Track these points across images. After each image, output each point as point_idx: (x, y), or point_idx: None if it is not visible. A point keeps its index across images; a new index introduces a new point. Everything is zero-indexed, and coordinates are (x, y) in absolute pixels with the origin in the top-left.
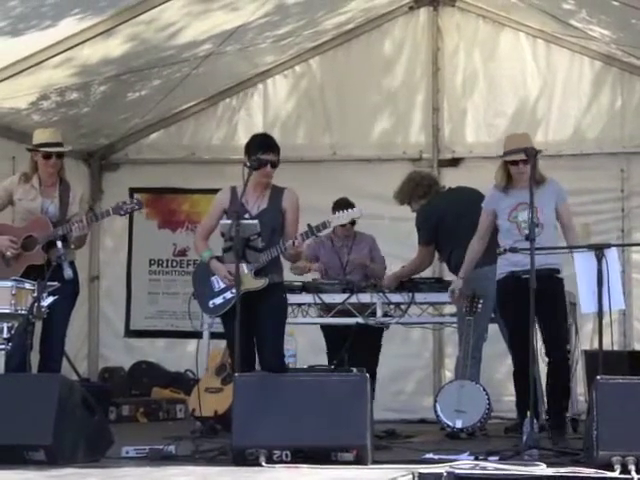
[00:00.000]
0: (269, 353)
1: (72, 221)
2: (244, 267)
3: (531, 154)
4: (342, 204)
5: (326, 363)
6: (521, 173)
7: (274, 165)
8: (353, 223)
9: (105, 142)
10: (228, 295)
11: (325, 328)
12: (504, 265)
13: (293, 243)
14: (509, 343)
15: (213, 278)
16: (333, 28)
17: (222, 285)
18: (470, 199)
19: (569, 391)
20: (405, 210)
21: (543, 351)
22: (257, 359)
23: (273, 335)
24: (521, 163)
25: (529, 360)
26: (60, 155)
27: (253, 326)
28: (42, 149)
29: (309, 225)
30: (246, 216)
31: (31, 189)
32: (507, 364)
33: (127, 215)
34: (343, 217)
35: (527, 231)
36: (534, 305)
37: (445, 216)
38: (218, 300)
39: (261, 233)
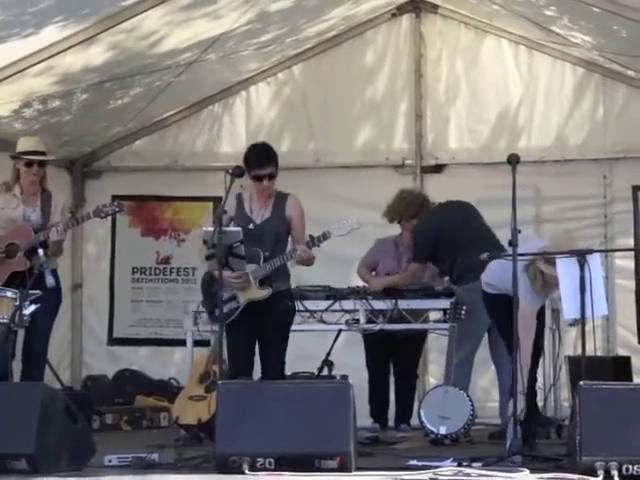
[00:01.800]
0: (270, 361)
1: (58, 226)
2: (249, 276)
3: (514, 160)
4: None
5: (310, 370)
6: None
7: (272, 177)
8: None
9: (87, 150)
10: (234, 304)
11: (368, 339)
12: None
13: (293, 251)
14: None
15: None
16: (316, 35)
17: (228, 294)
18: (462, 213)
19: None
20: None
21: None
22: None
23: (276, 343)
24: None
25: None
26: (42, 164)
27: (257, 334)
28: (24, 157)
29: (310, 236)
30: (250, 225)
31: (13, 198)
32: (491, 370)
33: (108, 218)
34: (342, 228)
35: None
36: (516, 318)
37: (442, 231)
38: (224, 309)
39: (265, 240)
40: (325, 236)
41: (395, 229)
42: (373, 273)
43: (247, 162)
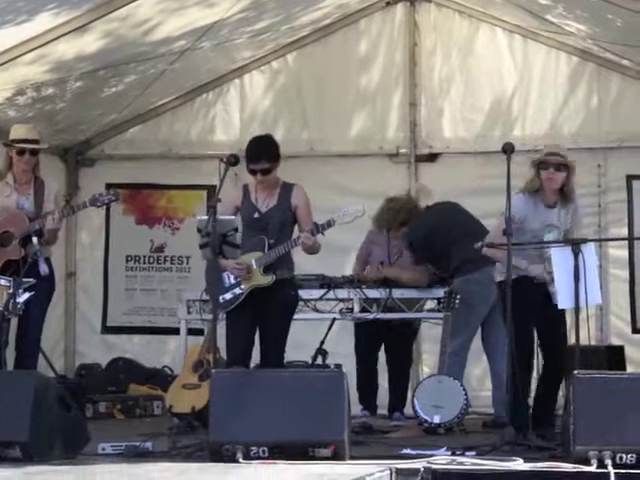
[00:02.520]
0: (271, 349)
1: (48, 213)
2: (253, 263)
3: (508, 149)
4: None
5: (304, 359)
6: (551, 179)
7: (265, 172)
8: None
9: (81, 138)
10: (237, 291)
11: (360, 326)
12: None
13: (297, 238)
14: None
15: (224, 274)
16: (310, 24)
17: (232, 281)
18: (449, 211)
19: (555, 400)
20: None
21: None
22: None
23: (277, 332)
24: (552, 167)
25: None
26: (34, 152)
27: (259, 320)
28: (16, 145)
29: (315, 223)
30: (255, 214)
31: (6, 186)
32: (485, 360)
33: (104, 207)
34: (347, 215)
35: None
36: (510, 306)
37: (434, 232)
38: (228, 295)
39: (270, 228)
40: (330, 223)
41: None
42: (368, 267)
43: (246, 154)
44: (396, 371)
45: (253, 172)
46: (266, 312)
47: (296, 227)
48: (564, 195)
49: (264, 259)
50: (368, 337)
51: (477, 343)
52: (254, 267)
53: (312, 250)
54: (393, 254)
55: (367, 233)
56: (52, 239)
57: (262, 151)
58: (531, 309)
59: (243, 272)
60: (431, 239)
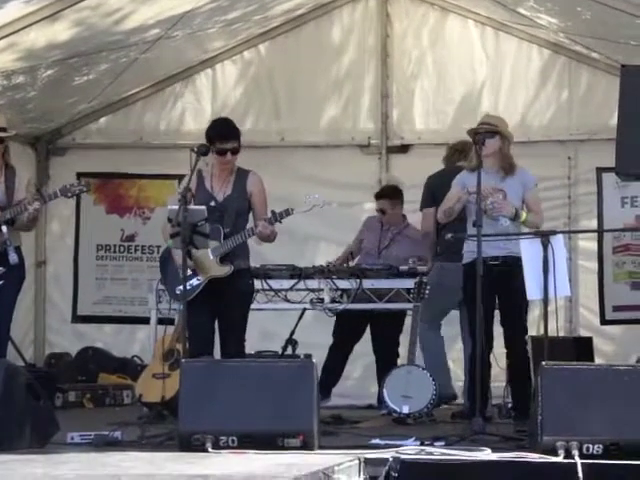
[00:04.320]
0: (231, 339)
1: (23, 204)
2: (209, 253)
3: (479, 141)
4: (384, 192)
5: (274, 349)
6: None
7: (235, 152)
8: (382, 212)
9: (52, 126)
10: (194, 282)
11: (340, 316)
12: (469, 252)
13: (255, 227)
14: (469, 328)
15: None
16: (282, 14)
17: (188, 272)
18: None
19: (530, 377)
20: (353, 196)
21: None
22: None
23: (236, 321)
24: (482, 136)
25: (486, 346)
26: (1, 140)
27: (217, 311)
28: None
29: (273, 211)
30: (212, 203)
31: None
32: (456, 349)
33: (74, 197)
34: (305, 205)
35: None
36: (481, 292)
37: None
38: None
39: (225, 218)
40: (287, 212)
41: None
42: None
43: (210, 136)
44: (383, 363)
45: (222, 152)
46: (225, 302)
47: (250, 215)
48: (504, 165)
49: (221, 249)
50: (347, 327)
51: (448, 333)
52: (211, 257)
53: (268, 239)
54: (384, 241)
55: (365, 219)
56: (32, 226)
57: (232, 130)
58: (489, 290)
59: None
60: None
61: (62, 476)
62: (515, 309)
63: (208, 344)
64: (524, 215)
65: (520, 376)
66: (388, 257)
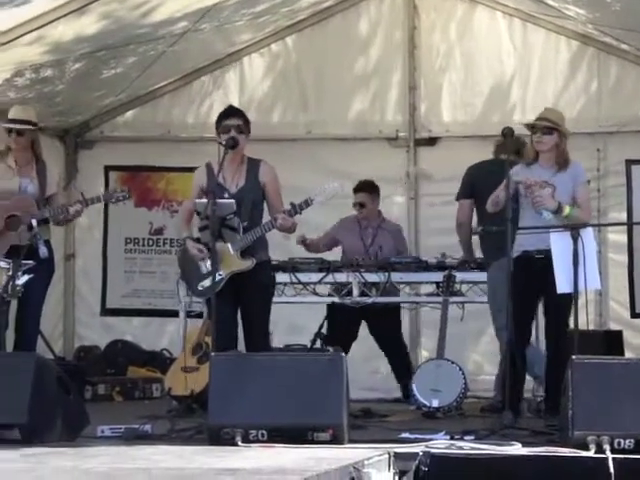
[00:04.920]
0: (255, 332)
1: (65, 207)
2: (229, 248)
3: (508, 134)
4: (361, 187)
5: (303, 342)
6: (539, 142)
7: (240, 131)
8: (362, 206)
9: (80, 120)
10: (217, 277)
11: (332, 308)
12: (517, 245)
13: (275, 219)
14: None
15: (201, 261)
16: (309, 6)
17: (209, 267)
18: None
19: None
20: (381, 189)
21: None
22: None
23: (260, 314)
24: (540, 132)
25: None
26: (20, 133)
27: (239, 304)
28: (3, 125)
29: (292, 203)
30: (225, 195)
31: (8, 169)
32: (484, 342)
33: (101, 189)
34: (324, 194)
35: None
36: (519, 287)
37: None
38: (207, 282)
39: (242, 210)
40: (307, 203)
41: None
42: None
43: (216, 123)
44: (394, 357)
45: (226, 129)
46: (247, 295)
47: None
48: (559, 161)
49: (241, 243)
50: (343, 324)
51: (476, 327)
52: (231, 252)
53: (289, 231)
54: (367, 238)
55: (339, 220)
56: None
57: (236, 110)
58: (533, 286)
59: (204, 254)
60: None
61: (92, 469)
62: (557, 303)
63: (232, 339)
64: (567, 210)
65: (556, 370)
66: (376, 253)
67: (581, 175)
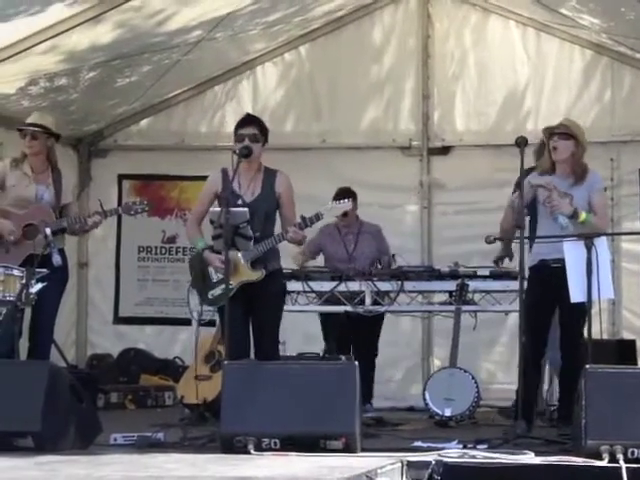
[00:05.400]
0: (265, 340)
1: (83, 217)
2: (240, 258)
3: (522, 143)
4: (341, 194)
5: (316, 351)
6: (555, 148)
7: (255, 139)
8: (345, 215)
9: (94, 128)
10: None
11: (327, 322)
12: (534, 254)
13: (285, 232)
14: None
15: (211, 268)
16: (323, 15)
17: (220, 276)
18: None
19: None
20: (394, 198)
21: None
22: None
23: (270, 322)
24: (556, 136)
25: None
26: (35, 137)
27: (250, 313)
28: (18, 127)
29: (302, 217)
30: (239, 202)
31: (24, 176)
32: (497, 352)
33: (114, 197)
34: (335, 209)
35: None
36: (522, 292)
37: None
38: (217, 291)
39: (255, 220)
40: (318, 217)
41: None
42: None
43: (234, 132)
44: (365, 364)
45: (241, 138)
46: (258, 304)
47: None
48: (576, 171)
49: (252, 253)
50: (339, 333)
51: (487, 336)
52: (242, 262)
53: (299, 243)
54: (350, 244)
55: (319, 229)
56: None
57: (253, 118)
58: (548, 295)
59: (221, 268)
60: None
61: (105, 477)
62: (572, 312)
63: (245, 348)
64: (583, 215)
65: (570, 380)
66: (359, 258)
67: (598, 182)
